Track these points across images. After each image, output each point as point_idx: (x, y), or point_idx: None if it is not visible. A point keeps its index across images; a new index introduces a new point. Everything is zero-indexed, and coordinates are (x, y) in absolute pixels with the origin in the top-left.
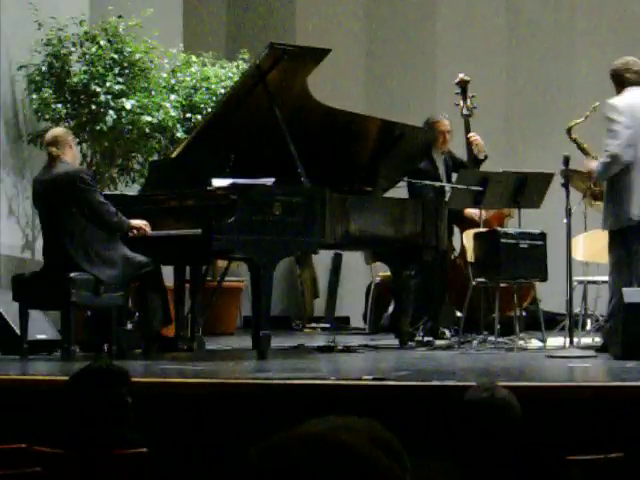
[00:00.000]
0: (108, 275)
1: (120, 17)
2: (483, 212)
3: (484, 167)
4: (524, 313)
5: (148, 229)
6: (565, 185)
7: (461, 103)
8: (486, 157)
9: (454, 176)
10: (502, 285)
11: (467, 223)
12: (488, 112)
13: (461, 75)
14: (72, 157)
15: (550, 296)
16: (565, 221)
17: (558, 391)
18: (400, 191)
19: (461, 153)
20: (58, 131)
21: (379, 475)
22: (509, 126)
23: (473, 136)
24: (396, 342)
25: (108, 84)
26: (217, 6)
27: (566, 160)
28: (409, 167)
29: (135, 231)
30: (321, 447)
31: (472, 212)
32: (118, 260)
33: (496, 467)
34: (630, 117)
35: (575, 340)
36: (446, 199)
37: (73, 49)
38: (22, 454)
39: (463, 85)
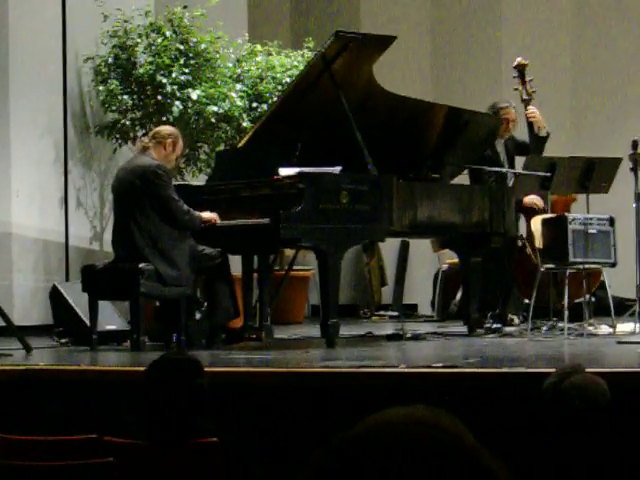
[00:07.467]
0: (168, 274)
1: (185, 7)
2: (543, 201)
3: (551, 152)
4: (593, 299)
5: (217, 220)
6: (634, 169)
7: (520, 87)
8: (548, 134)
9: (518, 160)
10: (571, 271)
11: (529, 212)
12: (554, 94)
13: (519, 59)
14: (161, 156)
15: (619, 281)
16: (634, 205)
17: (629, 377)
18: (463, 178)
19: (523, 137)
20: (163, 128)
21: (478, 461)
22: (576, 109)
23: (530, 111)
24: (465, 329)
25: (174, 75)
26: None
27: (635, 144)
28: (476, 153)
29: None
30: (406, 432)
31: (531, 201)
32: (181, 261)
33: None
34: None
35: None
36: (509, 185)
37: (139, 40)
38: (92, 444)
39: (521, 69)
